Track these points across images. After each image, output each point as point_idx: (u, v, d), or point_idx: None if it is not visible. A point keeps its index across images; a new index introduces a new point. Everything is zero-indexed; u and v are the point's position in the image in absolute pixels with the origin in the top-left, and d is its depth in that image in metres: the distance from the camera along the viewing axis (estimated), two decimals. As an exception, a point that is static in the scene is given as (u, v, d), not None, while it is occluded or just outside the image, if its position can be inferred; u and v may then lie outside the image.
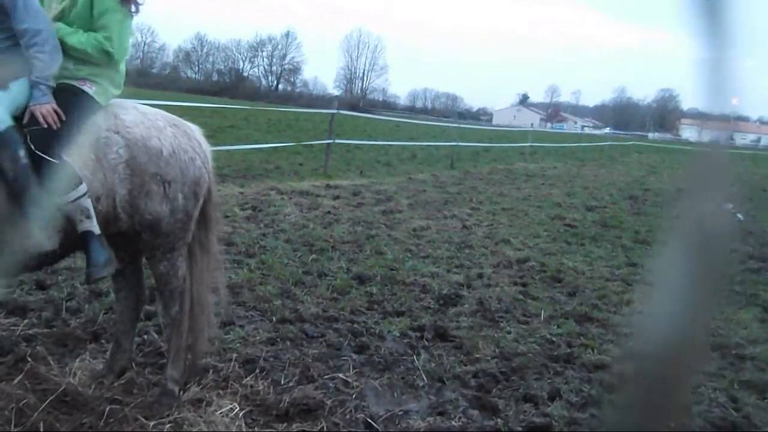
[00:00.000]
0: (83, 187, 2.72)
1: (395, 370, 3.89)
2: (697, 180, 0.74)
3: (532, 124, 48.62)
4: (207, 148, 3.23)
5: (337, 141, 14.80)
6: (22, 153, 2.60)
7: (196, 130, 3.22)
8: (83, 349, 3.67)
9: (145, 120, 3.00)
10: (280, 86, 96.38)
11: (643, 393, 0.76)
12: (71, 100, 2.84)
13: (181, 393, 3.22)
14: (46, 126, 2.69)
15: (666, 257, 0.74)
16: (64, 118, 2.76)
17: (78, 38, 2.87)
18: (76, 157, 2.77)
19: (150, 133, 2.96)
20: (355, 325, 4.53)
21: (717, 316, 5.61)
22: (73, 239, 2.80)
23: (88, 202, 2.74)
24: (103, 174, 2.83)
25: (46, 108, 2.72)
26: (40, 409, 2.84)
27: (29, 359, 3.38)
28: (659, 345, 0.74)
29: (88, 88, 2.90)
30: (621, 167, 24.46)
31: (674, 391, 0.77)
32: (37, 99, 2.73)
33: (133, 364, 3.47)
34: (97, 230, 2.80)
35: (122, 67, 3.07)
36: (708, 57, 0.67)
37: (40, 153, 2.64)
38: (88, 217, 2.76)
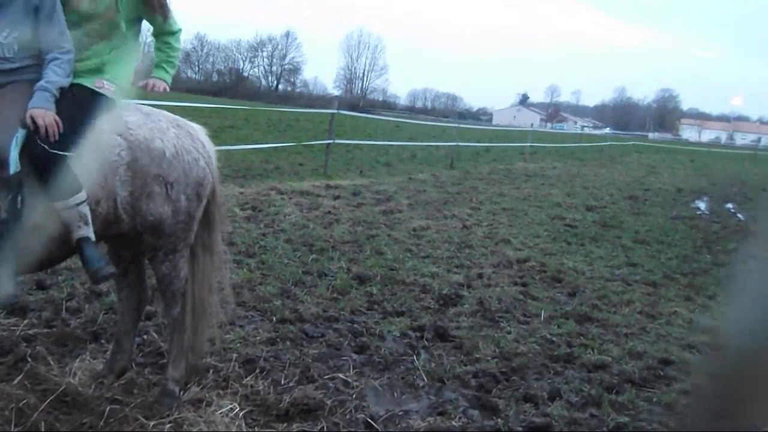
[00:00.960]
0: (83, 194, 2.69)
1: (395, 370, 3.89)
2: None
3: (532, 124, 48.47)
4: (211, 148, 3.21)
5: (337, 141, 14.80)
6: (20, 199, 2.55)
7: (199, 131, 3.20)
8: (83, 349, 3.67)
9: (148, 121, 2.98)
10: (280, 86, 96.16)
11: (727, 389, 0.75)
12: (87, 103, 2.80)
13: (182, 393, 3.22)
14: (44, 133, 2.61)
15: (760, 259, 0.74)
16: (77, 121, 2.72)
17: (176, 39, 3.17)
18: (78, 162, 2.73)
19: (153, 134, 2.94)
20: (355, 325, 4.53)
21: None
22: (69, 246, 2.78)
23: (86, 209, 2.72)
24: (104, 176, 2.81)
25: (50, 116, 2.63)
26: (40, 409, 2.83)
27: (29, 359, 3.38)
28: (747, 342, 0.74)
29: (107, 90, 2.88)
30: (621, 167, 24.45)
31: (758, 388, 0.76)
32: (41, 103, 2.64)
33: (133, 364, 3.47)
34: (93, 237, 2.78)
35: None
36: None
37: (52, 151, 2.61)
38: (86, 224, 2.73)
